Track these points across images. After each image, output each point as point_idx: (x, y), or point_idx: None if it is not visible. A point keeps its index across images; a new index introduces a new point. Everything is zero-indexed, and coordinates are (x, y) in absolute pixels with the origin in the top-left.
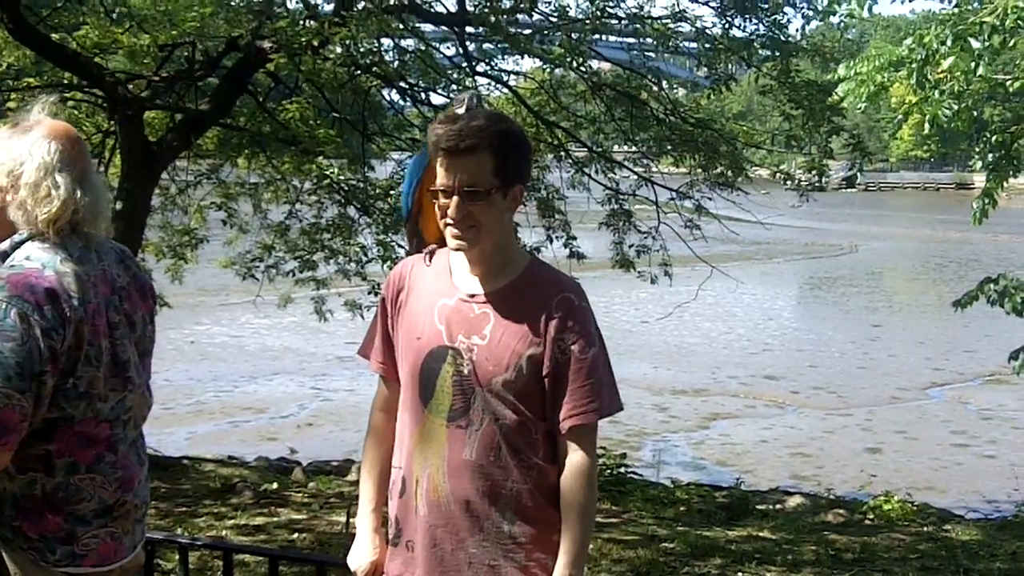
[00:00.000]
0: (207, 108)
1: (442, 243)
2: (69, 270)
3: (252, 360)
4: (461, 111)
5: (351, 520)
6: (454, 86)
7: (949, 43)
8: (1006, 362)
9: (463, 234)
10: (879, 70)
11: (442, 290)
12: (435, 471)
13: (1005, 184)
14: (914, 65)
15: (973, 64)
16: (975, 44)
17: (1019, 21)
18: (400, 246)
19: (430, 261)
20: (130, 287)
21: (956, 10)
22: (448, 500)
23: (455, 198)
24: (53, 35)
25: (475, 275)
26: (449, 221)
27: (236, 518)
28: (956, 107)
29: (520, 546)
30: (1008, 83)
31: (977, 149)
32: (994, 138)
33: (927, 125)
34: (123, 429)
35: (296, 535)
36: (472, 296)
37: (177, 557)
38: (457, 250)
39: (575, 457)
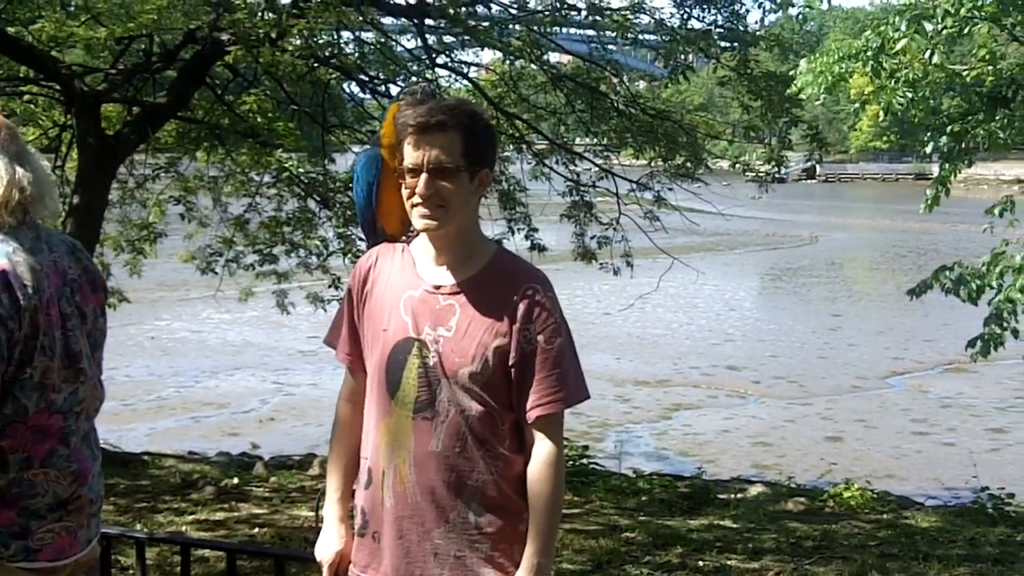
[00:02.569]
0: (165, 101)
1: (403, 237)
2: (22, 259)
3: (213, 355)
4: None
5: (319, 512)
6: (414, 78)
7: (904, 27)
8: (964, 351)
9: (431, 213)
10: (838, 61)
11: (408, 282)
12: (401, 463)
13: (958, 173)
14: (869, 53)
15: (928, 51)
16: (928, 27)
17: (974, 11)
18: (361, 239)
19: (408, 243)
20: (81, 279)
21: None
22: (414, 491)
23: (424, 176)
24: (8, 28)
25: (440, 265)
26: (417, 200)
27: (196, 513)
28: (911, 95)
29: (486, 536)
30: (965, 73)
31: (927, 135)
32: (950, 127)
33: (883, 114)
34: (75, 421)
35: (257, 530)
36: (438, 288)
37: (135, 552)
38: (424, 230)
39: (542, 447)
